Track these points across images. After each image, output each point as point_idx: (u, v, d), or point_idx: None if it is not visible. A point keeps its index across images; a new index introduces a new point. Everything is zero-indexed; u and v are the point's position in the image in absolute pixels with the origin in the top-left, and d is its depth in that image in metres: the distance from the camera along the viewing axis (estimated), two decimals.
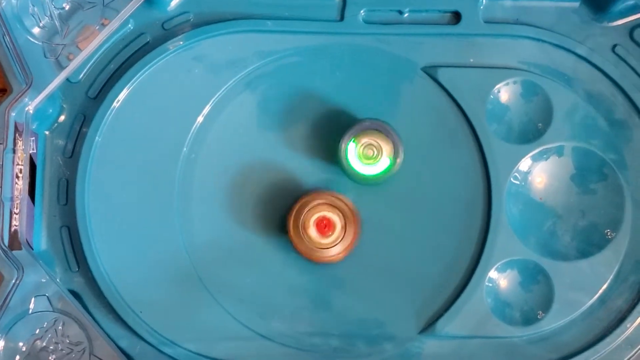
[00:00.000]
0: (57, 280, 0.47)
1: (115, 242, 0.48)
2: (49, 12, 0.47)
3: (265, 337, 0.48)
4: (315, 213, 0.46)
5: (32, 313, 0.46)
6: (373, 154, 0.46)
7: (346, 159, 0.46)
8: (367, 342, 0.48)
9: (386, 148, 0.46)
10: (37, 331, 0.46)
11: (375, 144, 0.46)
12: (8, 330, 0.45)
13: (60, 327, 0.46)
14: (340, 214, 0.46)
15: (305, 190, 0.48)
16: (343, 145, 0.46)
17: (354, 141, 0.46)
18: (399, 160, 0.46)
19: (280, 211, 0.48)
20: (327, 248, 0.46)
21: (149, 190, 0.48)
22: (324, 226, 0.46)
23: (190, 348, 0.47)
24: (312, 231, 0.46)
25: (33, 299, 0.46)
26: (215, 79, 0.49)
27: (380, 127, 0.46)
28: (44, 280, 0.46)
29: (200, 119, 0.48)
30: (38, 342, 0.46)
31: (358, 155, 0.46)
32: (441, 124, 0.48)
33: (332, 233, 0.46)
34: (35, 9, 0.47)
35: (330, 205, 0.46)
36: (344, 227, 0.46)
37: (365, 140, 0.46)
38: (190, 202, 0.48)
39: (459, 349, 0.47)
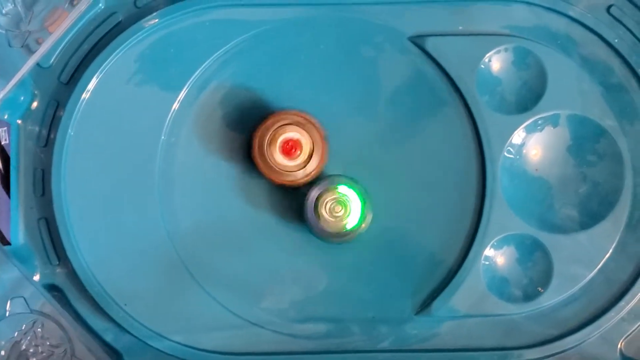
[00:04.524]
0: (36, 276, 0.46)
1: (95, 233, 0.46)
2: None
3: (256, 324, 0.47)
4: (280, 134, 0.44)
5: (9, 315, 0.45)
6: (340, 211, 0.45)
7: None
8: (362, 326, 0.47)
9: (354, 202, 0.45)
10: (16, 334, 0.45)
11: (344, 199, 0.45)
12: None
13: (39, 329, 0.45)
14: (307, 133, 0.44)
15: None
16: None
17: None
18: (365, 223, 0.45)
19: (266, 191, 0.47)
20: (295, 171, 0.45)
21: (129, 178, 0.46)
22: (290, 147, 0.44)
23: (178, 340, 0.46)
24: (278, 154, 0.44)
25: (9, 302, 0.45)
26: (193, 57, 0.47)
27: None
28: (20, 279, 0.45)
29: (182, 94, 0.47)
30: (17, 345, 0.45)
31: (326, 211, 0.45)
32: (431, 95, 0.47)
33: (300, 154, 0.44)
34: None
35: (296, 125, 0.44)
36: (312, 147, 0.44)
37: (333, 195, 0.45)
38: (172, 188, 0.47)
39: (457, 328, 0.46)
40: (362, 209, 0.45)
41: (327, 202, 0.44)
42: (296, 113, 0.45)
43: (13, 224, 0.47)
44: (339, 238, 0.45)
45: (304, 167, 0.45)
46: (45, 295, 0.45)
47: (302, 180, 0.45)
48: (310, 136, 0.44)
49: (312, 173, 0.45)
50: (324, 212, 0.44)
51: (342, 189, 0.45)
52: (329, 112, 0.47)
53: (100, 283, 0.46)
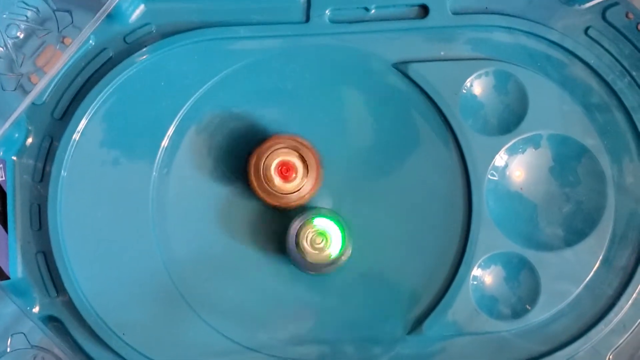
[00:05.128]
0: (36, 308, 0.47)
1: (92, 264, 0.47)
2: (3, 43, 0.46)
3: (252, 349, 0.47)
4: (276, 157, 0.45)
5: (10, 351, 0.45)
6: (321, 242, 0.45)
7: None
8: (355, 347, 0.47)
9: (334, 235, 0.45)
10: None
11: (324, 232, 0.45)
12: None
13: None
14: (302, 157, 0.45)
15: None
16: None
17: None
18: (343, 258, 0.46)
19: (259, 219, 0.47)
20: (290, 193, 0.45)
21: (123, 209, 0.47)
22: (286, 170, 0.45)
23: None
24: (275, 177, 0.45)
25: (10, 338, 0.45)
26: (184, 89, 0.48)
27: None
28: (19, 314, 0.45)
29: (174, 125, 0.47)
30: None
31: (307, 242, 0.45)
32: (416, 120, 0.47)
33: (295, 176, 0.45)
34: None
35: (291, 148, 0.45)
36: (306, 171, 0.45)
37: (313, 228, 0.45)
38: (166, 217, 0.47)
39: (448, 346, 0.47)
40: (342, 239, 0.45)
41: (307, 234, 0.45)
42: (291, 137, 0.46)
43: (12, 258, 0.47)
44: (320, 269, 0.46)
45: (299, 190, 0.45)
46: (44, 330, 0.46)
47: (296, 203, 0.46)
48: (305, 159, 0.45)
49: (307, 195, 0.46)
50: (305, 244, 0.45)
51: (321, 220, 0.45)
52: (316, 138, 0.47)
53: (98, 313, 0.46)
